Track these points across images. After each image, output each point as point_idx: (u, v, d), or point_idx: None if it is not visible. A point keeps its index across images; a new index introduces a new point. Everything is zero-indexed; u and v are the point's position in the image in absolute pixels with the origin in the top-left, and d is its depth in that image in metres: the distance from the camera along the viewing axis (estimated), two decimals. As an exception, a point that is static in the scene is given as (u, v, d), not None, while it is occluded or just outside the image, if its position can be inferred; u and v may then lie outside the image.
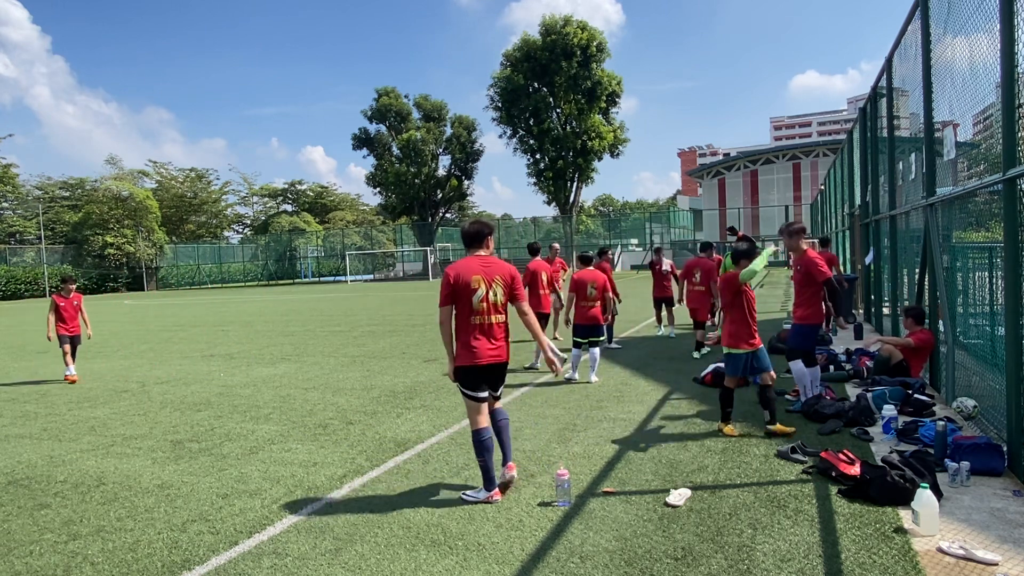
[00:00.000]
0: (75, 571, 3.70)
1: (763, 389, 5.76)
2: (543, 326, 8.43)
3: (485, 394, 4.53)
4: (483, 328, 4.48)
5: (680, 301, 11.67)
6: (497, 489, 4.49)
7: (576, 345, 8.54)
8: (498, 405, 4.70)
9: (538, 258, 10.12)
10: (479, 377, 4.48)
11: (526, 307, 4.65)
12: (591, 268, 8.84)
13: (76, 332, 10.17)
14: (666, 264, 12.14)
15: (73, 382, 9.83)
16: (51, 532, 4.26)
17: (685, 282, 11.04)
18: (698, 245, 11.26)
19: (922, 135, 7.18)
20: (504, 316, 4.59)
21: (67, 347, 10.00)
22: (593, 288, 8.48)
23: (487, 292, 4.47)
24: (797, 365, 6.53)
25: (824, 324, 6.71)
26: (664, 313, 12.41)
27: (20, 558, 3.89)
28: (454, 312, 4.52)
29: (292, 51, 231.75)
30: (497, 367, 4.54)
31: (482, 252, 4.63)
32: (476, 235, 4.63)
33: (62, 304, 10.07)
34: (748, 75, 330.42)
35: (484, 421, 4.52)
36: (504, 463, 4.59)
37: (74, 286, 10.38)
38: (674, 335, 12.21)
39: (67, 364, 9.98)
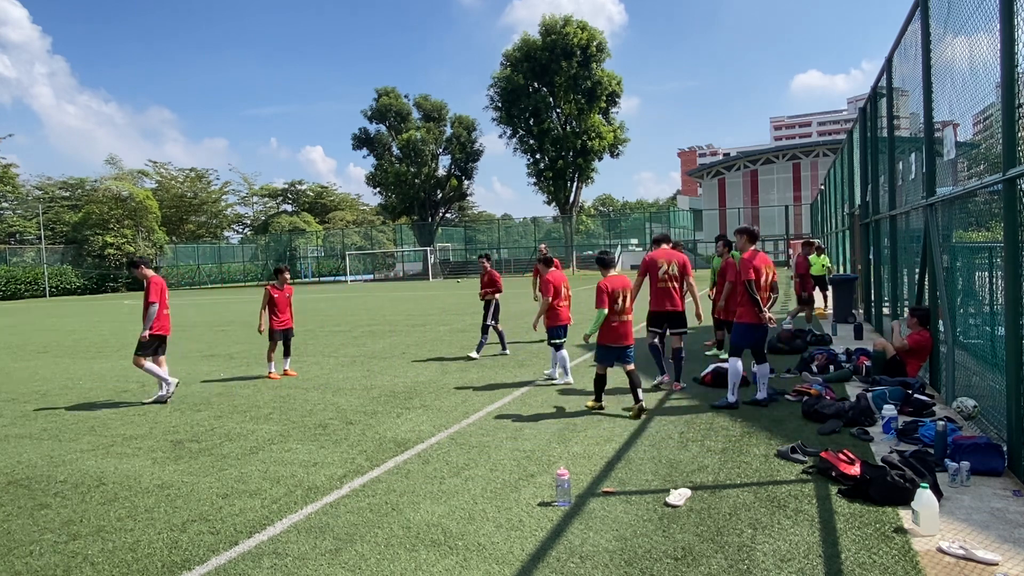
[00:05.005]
0: (75, 571, 3.70)
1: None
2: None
3: (655, 329, 7.82)
4: (664, 290, 7.65)
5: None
6: (665, 376, 7.88)
7: (560, 347, 8.45)
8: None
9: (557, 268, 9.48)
10: (658, 318, 7.78)
11: (690, 280, 7.74)
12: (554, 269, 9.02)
13: (289, 325, 9.61)
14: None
15: (277, 379, 9.41)
16: (51, 532, 4.26)
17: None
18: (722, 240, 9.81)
19: (922, 135, 7.18)
20: (679, 284, 7.66)
21: (276, 343, 9.55)
22: (565, 288, 8.87)
23: (667, 268, 7.59)
24: (734, 363, 6.69)
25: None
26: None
27: (20, 558, 3.89)
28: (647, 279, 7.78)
29: (292, 51, 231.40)
30: (667, 313, 7.69)
31: (667, 247, 7.88)
32: (662, 238, 8.06)
33: (277, 296, 9.46)
34: (749, 75, 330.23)
35: (655, 340, 7.85)
36: (674, 380, 7.80)
37: (288, 275, 9.77)
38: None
39: (270, 359, 9.62)
